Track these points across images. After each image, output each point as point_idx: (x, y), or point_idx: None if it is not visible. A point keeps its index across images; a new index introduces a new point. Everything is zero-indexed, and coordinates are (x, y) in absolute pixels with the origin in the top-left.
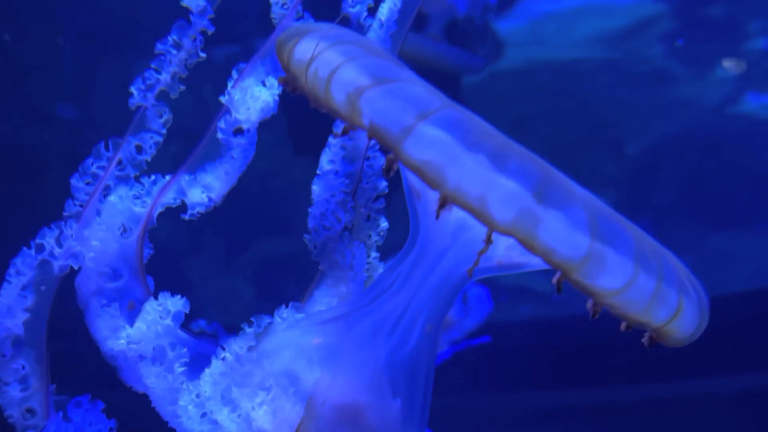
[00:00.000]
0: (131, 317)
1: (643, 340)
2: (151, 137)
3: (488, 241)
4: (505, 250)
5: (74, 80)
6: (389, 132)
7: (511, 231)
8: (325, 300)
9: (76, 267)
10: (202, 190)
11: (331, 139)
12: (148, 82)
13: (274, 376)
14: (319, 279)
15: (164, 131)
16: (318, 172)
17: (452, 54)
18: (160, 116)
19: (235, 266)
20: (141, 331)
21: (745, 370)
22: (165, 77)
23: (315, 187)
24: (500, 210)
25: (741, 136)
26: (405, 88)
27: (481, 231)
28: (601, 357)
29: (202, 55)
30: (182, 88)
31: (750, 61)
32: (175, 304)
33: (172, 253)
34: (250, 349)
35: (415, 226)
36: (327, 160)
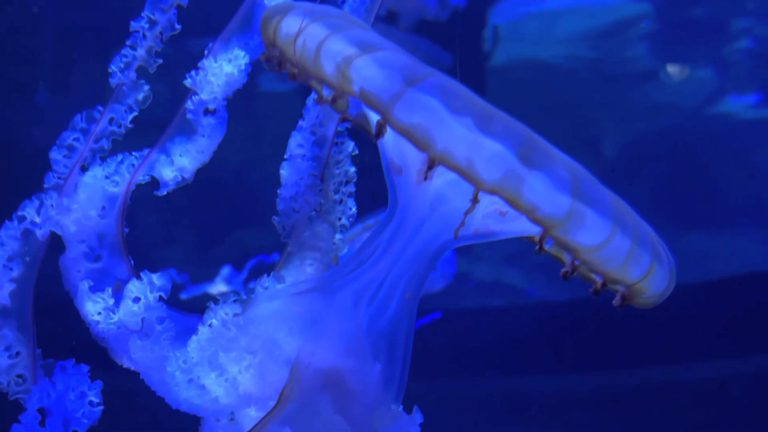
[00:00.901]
0: (118, 297)
1: (614, 301)
2: (128, 111)
3: (474, 200)
4: (482, 219)
5: (54, 68)
6: (379, 98)
7: (497, 190)
8: (291, 280)
9: (59, 233)
10: (173, 168)
11: (300, 123)
12: (125, 59)
13: (259, 341)
14: (286, 259)
15: (143, 105)
16: (286, 156)
17: (421, 46)
18: (139, 91)
19: (210, 258)
20: (128, 309)
21: (720, 357)
22: (141, 52)
23: (283, 171)
24: (487, 170)
25: (720, 136)
26: (392, 56)
27: (458, 203)
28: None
29: (177, 26)
30: (159, 61)
31: (732, 62)
32: (160, 278)
33: (145, 245)
34: (235, 316)
35: (394, 199)
36: (296, 144)
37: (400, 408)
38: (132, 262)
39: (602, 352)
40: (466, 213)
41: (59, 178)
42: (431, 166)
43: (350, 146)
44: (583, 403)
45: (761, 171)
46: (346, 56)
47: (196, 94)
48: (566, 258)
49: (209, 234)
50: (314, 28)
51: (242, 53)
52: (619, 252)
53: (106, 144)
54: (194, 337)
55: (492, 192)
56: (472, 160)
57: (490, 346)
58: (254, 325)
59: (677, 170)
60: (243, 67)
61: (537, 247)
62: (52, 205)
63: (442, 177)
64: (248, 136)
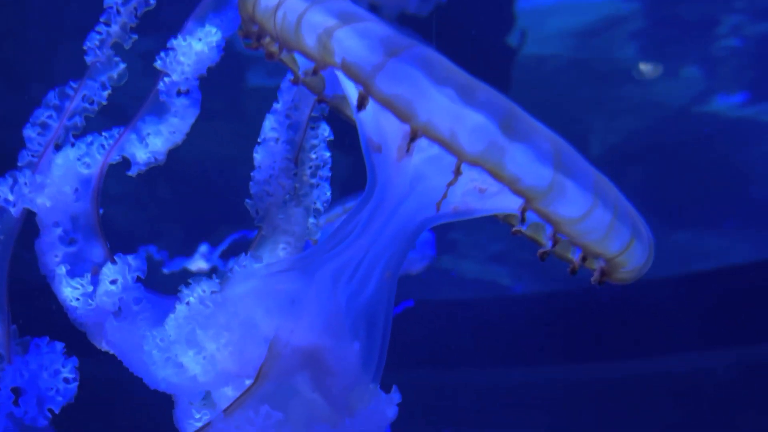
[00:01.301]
0: (96, 282)
1: (593, 278)
2: (102, 88)
3: (457, 172)
4: (462, 196)
5: (39, 57)
6: (361, 68)
7: (480, 161)
8: (266, 261)
9: (34, 210)
10: (146, 150)
11: (275, 105)
12: (100, 36)
13: (237, 319)
14: (259, 242)
15: (119, 83)
16: (259, 139)
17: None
18: (113, 68)
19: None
20: (105, 290)
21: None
22: (115, 29)
23: (257, 155)
24: (470, 142)
25: (707, 135)
26: (374, 27)
27: (438, 180)
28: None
29: (152, 2)
30: (135, 37)
31: (720, 61)
32: (136, 259)
33: (133, 240)
34: (213, 293)
35: (373, 178)
36: (270, 127)
37: (378, 388)
38: (108, 245)
39: (582, 344)
40: (449, 185)
41: (33, 156)
42: (414, 138)
43: (326, 131)
44: (563, 395)
45: (747, 170)
46: (327, 27)
47: (168, 75)
48: (546, 233)
49: (197, 229)
50: (294, 1)
51: (213, 29)
52: (601, 224)
53: (79, 122)
54: (171, 315)
55: (475, 164)
56: (455, 131)
57: (468, 337)
58: (232, 303)
59: (664, 169)
60: (214, 44)
61: (514, 228)
62: (25, 183)
63: (421, 154)
64: (236, 131)
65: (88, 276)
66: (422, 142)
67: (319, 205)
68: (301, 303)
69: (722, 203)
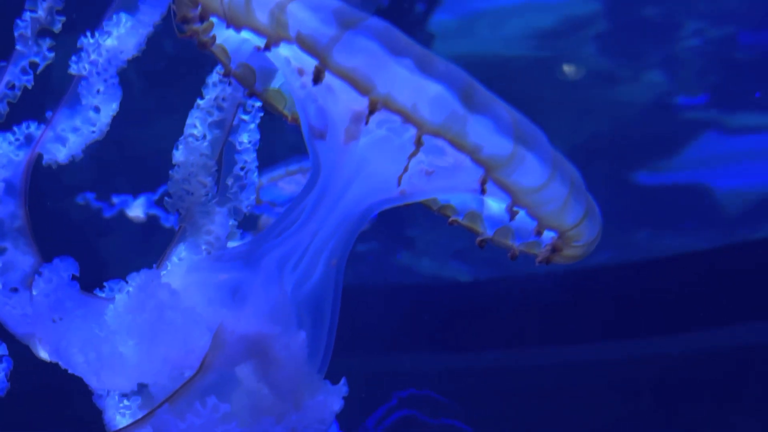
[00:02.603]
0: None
1: (539, 257)
2: (22, 77)
3: (418, 142)
4: (408, 178)
5: None
6: (317, 41)
7: (441, 132)
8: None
9: None
10: (65, 147)
11: (198, 101)
12: (25, 22)
13: (180, 308)
14: (179, 239)
15: (38, 69)
16: (184, 134)
17: None
18: (37, 53)
19: (154, 246)
20: (40, 292)
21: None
22: (41, 14)
23: (177, 152)
24: (431, 112)
25: (669, 137)
26: (327, 0)
27: (384, 163)
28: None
29: None
30: (63, 18)
31: (682, 63)
32: (66, 260)
33: (88, 235)
34: (154, 283)
35: (316, 165)
36: (192, 124)
37: (324, 378)
38: (36, 248)
39: (519, 330)
40: (410, 157)
41: None
42: (372, 110)
43: (255, 135)
44: (495, 381)
45: (707, 171)
46: (279, 2)
47: (84, 78)
48: (482, 223)
49: (153, 223)
50: None
51: (124, 18)
52: (559, 194)
53: (2, 109)
54: (111, 306)
55: (436, 134)
56: (415, 102)
57: (406, 323)
58: (175, 293)
59: (627, 171)
60: (127, 34)
61: (451, 218)
62: None
63: (368, 136)
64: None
65: (26, 291)
66: (370, 125)
67: (243, 208)
68: (246, 291)
69: (685, 205)
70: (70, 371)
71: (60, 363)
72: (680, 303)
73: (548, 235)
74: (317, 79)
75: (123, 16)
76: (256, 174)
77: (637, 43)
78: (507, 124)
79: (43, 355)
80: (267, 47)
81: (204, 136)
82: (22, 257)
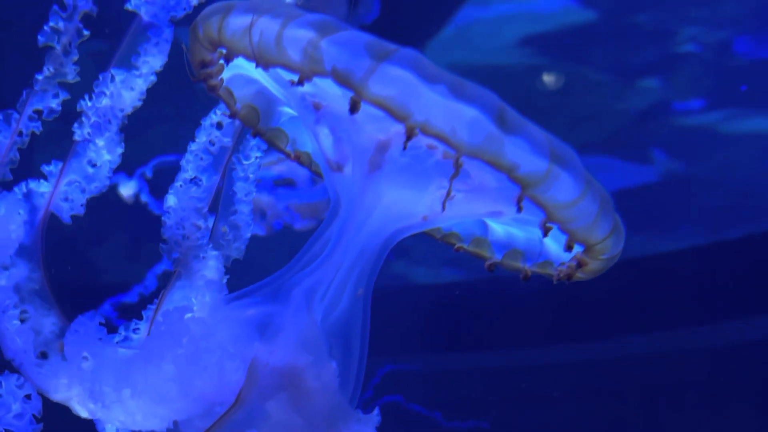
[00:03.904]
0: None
1: (559, 274)
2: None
3: (457, 165)
4: (430, 204)
5: None
6: (353, 74)
7: (479, 153)
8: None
9: None
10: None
11: (191, 146)
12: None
13: (215, 343)
14: (174, 283)
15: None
16: (178, 181)
17: None
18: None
19: (141, 256)
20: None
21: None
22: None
23: (171, 196)
24: (469, 135)
25: (665, 143)
26: (357, 35)
27: (404, 193)
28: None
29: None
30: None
31: (677, 69)
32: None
33: (77, 242)
34: (187, 319)
35: (336, 197)
36: (188, 167)
37: (357, 408)
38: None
39: (503, 331)
40: (451, 179)
41: None
42: (410, 136)
43: (251, 189)
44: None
45: (703, 178)
46: (311, 39)
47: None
48: (540, 218)
49: (142, 231)
50: (267, 20)
51: (123, 76)
52: (591, 209)
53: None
54: (140, 344)
55: (474, 155)
56: (454, 126)
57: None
58: (207, 328)
59: (622, 178)
60: (125, 89)
61: (456, 245)
62: None
63: (390, 165)
64: (182, 134)
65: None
66: (393, 153)
67: (236, 255)
68: (277, 324)
69: (679, 212)
70: (104, 420)
71: (96, 409)
72: (680, 302)
73: (566, 255)
74: (353, 109)
75: (121, 74)
76: (249, 215)
77: (632, 50)
78: (541, 143)
79: (84, 413)
80: (300, 82)
81: (195, 179)
82: (46, 319)
